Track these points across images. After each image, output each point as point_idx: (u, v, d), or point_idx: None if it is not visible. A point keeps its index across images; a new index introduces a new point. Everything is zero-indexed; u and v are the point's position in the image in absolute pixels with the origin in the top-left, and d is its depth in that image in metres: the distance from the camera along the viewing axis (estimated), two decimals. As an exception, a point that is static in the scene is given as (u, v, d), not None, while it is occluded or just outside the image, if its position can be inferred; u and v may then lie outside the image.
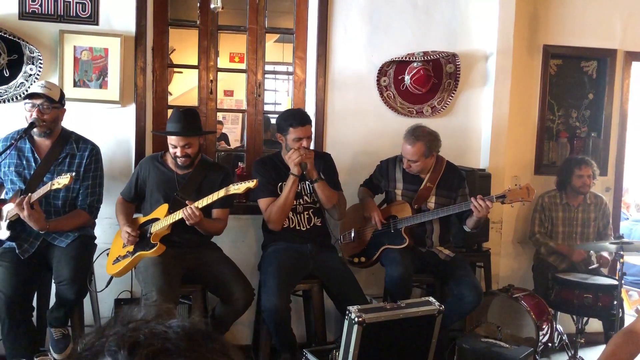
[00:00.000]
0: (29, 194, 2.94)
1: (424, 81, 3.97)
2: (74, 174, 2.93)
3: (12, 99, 3.51)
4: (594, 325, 3.98)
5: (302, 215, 3.48)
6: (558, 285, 3.82)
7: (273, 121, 5.57)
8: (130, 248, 3.15)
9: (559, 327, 3.95)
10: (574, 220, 4.21)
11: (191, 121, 3.27)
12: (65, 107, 3.21)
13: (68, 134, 3.24)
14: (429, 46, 4.04)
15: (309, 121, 3.45)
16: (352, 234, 3.67)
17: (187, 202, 3.07)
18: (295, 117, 3.42)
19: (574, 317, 3.87)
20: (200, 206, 3.03)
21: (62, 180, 2.87)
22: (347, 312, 2.77)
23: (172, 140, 3.22)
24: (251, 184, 2.94)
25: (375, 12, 3.99)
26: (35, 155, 3.15)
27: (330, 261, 3.45)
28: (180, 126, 3.20)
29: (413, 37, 4.04)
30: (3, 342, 2.95)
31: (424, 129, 3.49)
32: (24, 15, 3.55)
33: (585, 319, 3.82)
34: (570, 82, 4.52)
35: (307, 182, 3.47)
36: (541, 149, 4.46)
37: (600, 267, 4.16)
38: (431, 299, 3.01)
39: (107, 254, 3.29)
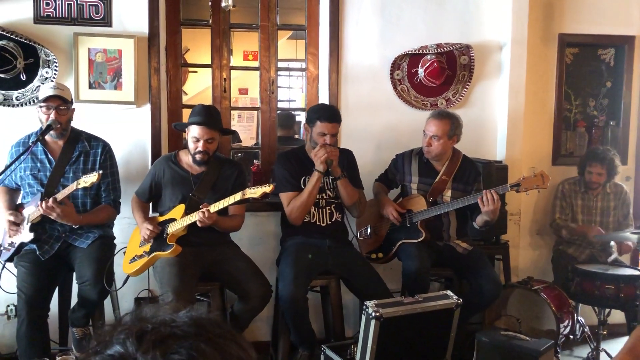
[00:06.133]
0: (54, 196, 2.97)
1: (437, 73, 3.94)
2: (101, 171, 2.95)
3: (30, 103, 3.56)
4: (617, 316, 3.93)
5: (324, 210, 3.48)
6: (578, 277, 3.76)
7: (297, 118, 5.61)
8: (147, 248, 3.17)
9: (581, 319, 3.91)
10: (593, 208, 4.15)
11: (215, 116, 3.29)
12: (74, 106, 3.27)
13: (78, 132, 3.28)
14: (442, 38, 4.01)
15: (337, 120, 3.43)
16: (369, 230, 3.66)
17: (201, 205, 3.06)
18: (325, 111, 3.42)
19: (596, 308, 3.82)
20: (213, 210, 3.01)
21: (89, 179, 2.89)
22: (364, 307, 2.77)
23: (195, 133, 3.18)
24: (267, 188, 2.89)
25: (387, 5, 3.97)
26: (49, 156, 3.19)
27: (350, 256, 3.45)
28: (205, 119, 3.20)
29: (426, 29, 4.01)
30: (18, 341, 2.99)
31: (450, 111, 3.54)
32: (38, 19, 3.59)
33: (607, 310, 3.77)
34: (587, 71, 4.45)
35: (330, 177, 3.46)
36: (558, 139, 4.40)
37: (622, 255, 4.10)
38: (449, 292, 2.99)
39: (124, 253, 3.32)
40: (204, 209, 3.00)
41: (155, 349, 0.71)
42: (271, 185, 2.91)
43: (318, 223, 3.47)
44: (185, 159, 3.33)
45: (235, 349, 0.76)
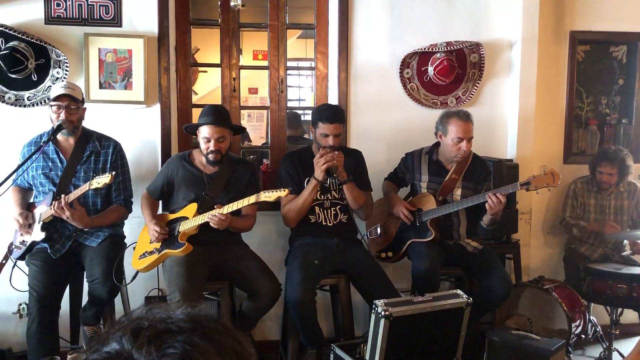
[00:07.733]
0: (65, 196, 2.99)
1: (447, 72, 3.92)
2: (114, 172, 2.97)
3: (41, 103, 3.59)
4: (629, 316, 3.90)
5: (329, 210, 3.47)
6: (590, 276, 3.73)
7: (306, 117, 5.59)
8: (158, 245, 3.18)
9: (593, 318, 3.87)
10: (606, 207, 4.11)
11: (224, 114, 3.30)
12: (85, 106, 3.28)
13: (89, 133, 3.30)
14: (451, 36, 3.99)
15: (340, 120, 3.39)
16: (378, 230, 3.65)
17: (215, 206, 3.06)
18: (326, 112, 3.39)
19: (608, 308, 3.79)
20: (227, 211, 3.02)
21: (102, 180, 2.90)
22: (373, 306, 2.76)
23: (206, 133, 3.19)
24: (282, 193, 2.90)
25: (397, 3, 3.96)
26: (60, 155, 3.21)
27: (357, 255, 3.44)
28: (214, 118, 3.21)
29: (435, 27, 3.99)
30: (28, 339, 3.01)
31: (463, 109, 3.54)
32: (49, 20, 3.62)
33: (620, 309, 3.73)
34: (599, 68, 4.41)
35: (336, 180, 3.45)
36: (570, 137, 4.37)
37: (634, 254, 4.06)
38: (459, 291, 2.97)
39: (134, 248, 3.33)
40: (217, 214, 3.00)
41: (150, 344, 0.71)
42: (286, 190, 2.92)
43: (324, 223, 3.45)
44: (199, 158, 3.34)
45: (231, 342, 0.76)
